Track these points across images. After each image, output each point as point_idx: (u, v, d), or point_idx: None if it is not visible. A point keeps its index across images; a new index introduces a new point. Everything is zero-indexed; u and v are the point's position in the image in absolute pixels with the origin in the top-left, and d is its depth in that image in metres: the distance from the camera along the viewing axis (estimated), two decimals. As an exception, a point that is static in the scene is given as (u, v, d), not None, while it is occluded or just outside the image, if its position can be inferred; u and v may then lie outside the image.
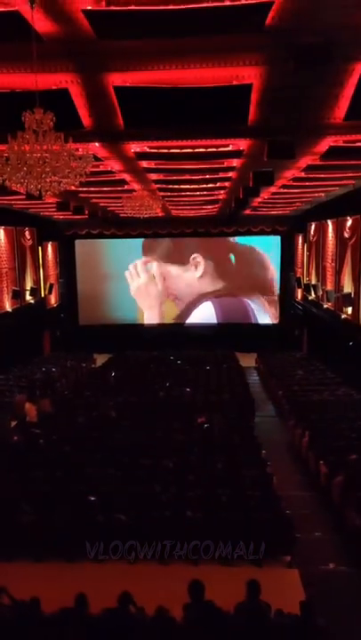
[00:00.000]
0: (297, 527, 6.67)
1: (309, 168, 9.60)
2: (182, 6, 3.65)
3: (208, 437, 9.88)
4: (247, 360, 18.89)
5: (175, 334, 21.07)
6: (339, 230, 14.87)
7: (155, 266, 21.56)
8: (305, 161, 9.02)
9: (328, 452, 8.75)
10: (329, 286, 15.85)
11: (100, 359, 19.37)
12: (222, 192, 12.72)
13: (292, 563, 6.36)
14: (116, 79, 5.14)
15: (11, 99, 5.27)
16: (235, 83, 5.20)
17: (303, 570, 6.24)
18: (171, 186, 11.36)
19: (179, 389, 13.65)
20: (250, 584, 4.77)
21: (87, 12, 3.74)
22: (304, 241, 19.49)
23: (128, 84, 5.24)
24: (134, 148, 7.81)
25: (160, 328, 21.64)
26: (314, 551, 6.81)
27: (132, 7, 3.67)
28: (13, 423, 11.57)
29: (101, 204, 15.06)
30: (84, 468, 8.16)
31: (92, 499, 7.02)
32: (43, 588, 5.21)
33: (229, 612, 4.64)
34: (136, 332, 21.52)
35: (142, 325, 21.88)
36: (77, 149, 4.62)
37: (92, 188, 11.46)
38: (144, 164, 8.93)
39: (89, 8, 3.68)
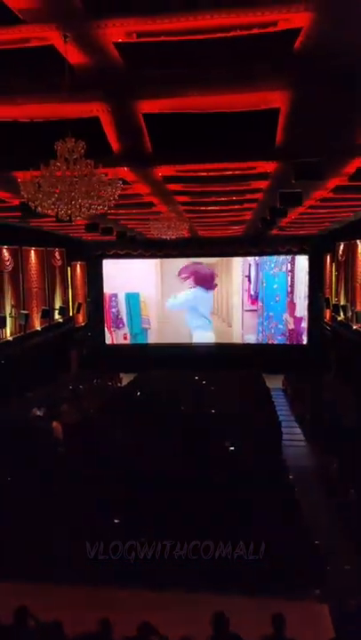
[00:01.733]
0: (326, 559, 6.41)
1: (338, 189, 9.53)
2: (212, 36, 3.73)
3: (233, 461, 9.68)
4: (274, 381, 18.57)
5: (201, 354, 20.99)
6: (368, 250, 14.63)
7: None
8: (334, 182, 8.97)
9: (358, 479, 8.43)
10: (359, 307, 15.52)
11: (126, 378, 19.43)
12: (249, 213, 12.74)
13: (321, 596, 6.09)
14: (146, 106, 5.26)
15: (43, 127, 5.47)
16: (262, 107, 5.25)
17: (333, 605, 5.96)
18: (198, 207, 11.46)
19: (203, 410, 13.49)
20: (275, 618, 4.60)
21: (118, 45, 3.86)
22: (332, 261, 19.24)
23: (157, 111, 5.36)
24: (162, 171, 7.95)
25: (187, 348, 21.59)
26: (344, 585, 6.51)
27: (163, 38, 3.77)
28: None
29: (129, 226, 15.31)
30: (108, 492, 8.10)
31: (117, 521, 6.96)
32: (64, 610, 5.14)
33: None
34: (161, 351, 21.50)
35: (167, 345, 21.87)
36: (106, 174, 4.73)
37: (121, 211, 11.66)
38: (172, 186, 9.06)
39: (120, 41, 3.80)
